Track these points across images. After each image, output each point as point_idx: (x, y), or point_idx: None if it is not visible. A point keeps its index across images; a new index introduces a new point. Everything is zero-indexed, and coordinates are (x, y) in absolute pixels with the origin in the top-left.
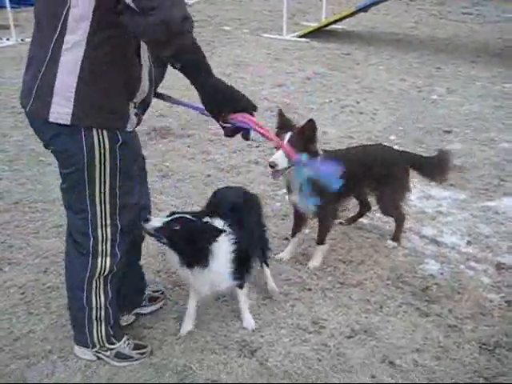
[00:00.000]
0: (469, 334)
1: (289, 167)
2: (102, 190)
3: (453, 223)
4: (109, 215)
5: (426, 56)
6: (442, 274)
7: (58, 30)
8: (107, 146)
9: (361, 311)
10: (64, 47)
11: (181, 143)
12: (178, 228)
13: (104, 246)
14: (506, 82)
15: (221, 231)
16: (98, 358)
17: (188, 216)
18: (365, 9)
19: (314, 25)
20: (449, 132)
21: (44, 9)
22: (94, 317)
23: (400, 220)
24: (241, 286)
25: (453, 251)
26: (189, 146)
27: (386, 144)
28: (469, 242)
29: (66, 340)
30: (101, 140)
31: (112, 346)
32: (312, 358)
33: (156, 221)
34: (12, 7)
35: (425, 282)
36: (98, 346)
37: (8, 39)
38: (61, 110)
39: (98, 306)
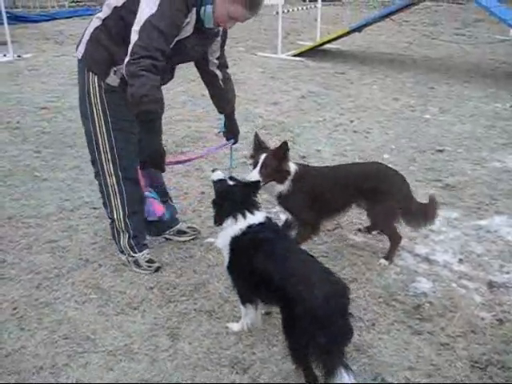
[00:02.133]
0: (461, 352)
1: (265, 183)
2: (99, 124)
3: (445, 241)
4: (107, 140)
5: (419, 76)
6: (434, 292)
7: (101, 9)
8: (96, 89)
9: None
10: (94, 17)
11: None
12: (217, 188)
13: (102, 140)
14: (498, 102)
15: (239, 208)
16: (128, 262)
17: (231, 183)
18: (358, 29)
19: (309, 44)
20: (441, 151)
21: None
22: (117, 227)
23: (395, 240)
24: None
25: (445, 269)
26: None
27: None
28: (461, 261)
29: (57, 356)
30: (92, 80)
31: (134, 255)
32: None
33: (215, 175)
34: (9, 23)
35: (417, 300)
36: (126, 254)
37: (5, 55)
38: (80, 50)
39: (118, 219)
